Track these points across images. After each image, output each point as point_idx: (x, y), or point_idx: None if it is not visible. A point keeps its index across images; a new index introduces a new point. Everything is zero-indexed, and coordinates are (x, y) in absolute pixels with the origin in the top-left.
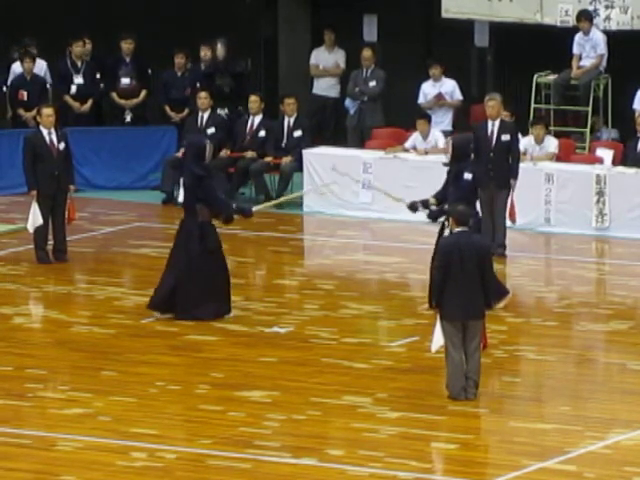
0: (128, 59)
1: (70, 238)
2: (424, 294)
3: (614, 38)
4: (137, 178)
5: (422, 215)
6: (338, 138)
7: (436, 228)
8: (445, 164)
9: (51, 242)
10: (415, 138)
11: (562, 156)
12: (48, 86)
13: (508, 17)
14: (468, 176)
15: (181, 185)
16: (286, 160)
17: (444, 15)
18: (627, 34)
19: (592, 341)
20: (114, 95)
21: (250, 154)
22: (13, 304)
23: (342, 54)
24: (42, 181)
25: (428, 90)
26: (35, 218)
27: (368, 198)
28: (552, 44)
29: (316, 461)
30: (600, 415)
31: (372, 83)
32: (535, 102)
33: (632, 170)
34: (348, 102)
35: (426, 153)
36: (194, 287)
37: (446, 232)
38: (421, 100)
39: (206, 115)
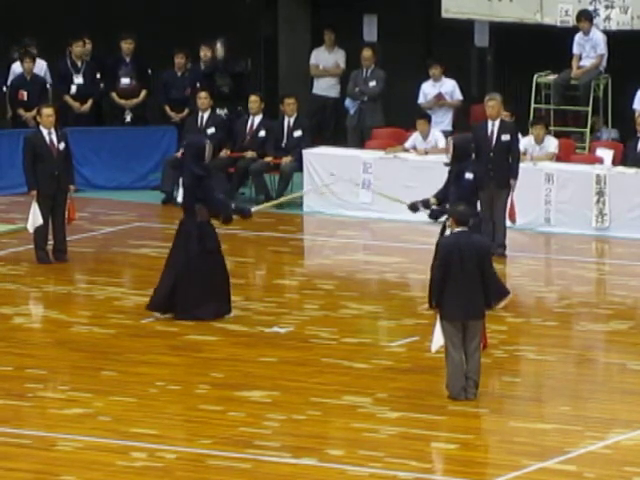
0: (128, 59)
1: (70, 238)
2: (424, 294)
3: (614, 38)
4: (137, 178)
5: (422, 215)
6: (338, 138)
7: (437, 228)
8: (446, 164)
9: (51, 242)
10: (415, 138)
11: (562, 156)
12: (48, 86)
13: (508, 17)
14: (469, 176)
15: (180, 185)
16: (286, 160)
17: (444, 15)
18: (627, 34)
19: (592, 341)
20: (114, 95)
21: (250, 154)
22: (13, 304)
23: (342, 54)
24: (42, 181)
25: (428, 90)
26: (35, 218)
27: (368, 198)
28: (552, 44)
29: (316, 461)
30: (600, 415)
31: (372, 83)
32: (535, 102)
33: (632, 170)
34: (348, 102)
35: (426, 153)
36: (193, 287)
37: (447, 232)
38: (421, 100)
39: (206, 115)
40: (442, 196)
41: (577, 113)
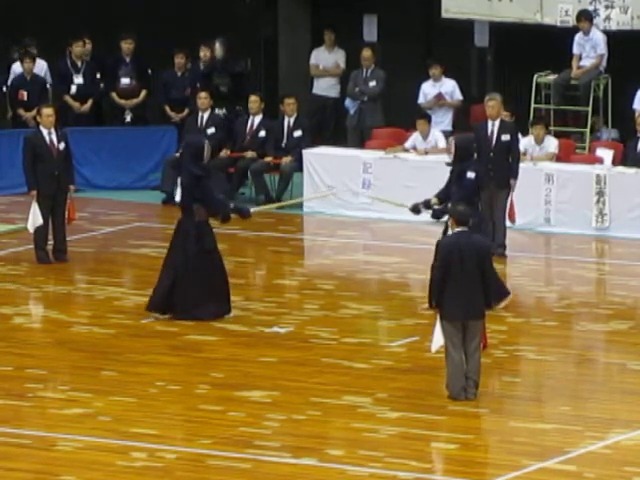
0: (128, 59)
1: (70, 238)
2: (424, 294)
3: (614, 38)
4: (137, 178)
5: (422, 215)
6: (338, 138)
7: (437, 228)
8: (448, 164)
9: (51, 242)
10: (415, 138)
11: (562, 156)
12: (48, 86)
13: (508, 17)
14: (471, 175)
15: (178, 185)
16: (286, 160)
17: (444, 15)
18: (627, 34)
19: (592, 341)
20: (114, 95)
21: (250, 154)
22: (13, 304)
23: (342, 54)
24: (42, 181)
25: (428, 90)
26: (35, 218)
27: (368, 198)
28: (552, 44)
29: (316, 461)
30: (600, 415)
31: (372, 83)
32: (535, 102)
33: (632, 170)
34: (348, 102)
35: (426, 153)
36: (192, 287)
37: (450, 231)
38: (421, 100)
39: (206, 115)
40: (444, 196)
41: (577, 113)
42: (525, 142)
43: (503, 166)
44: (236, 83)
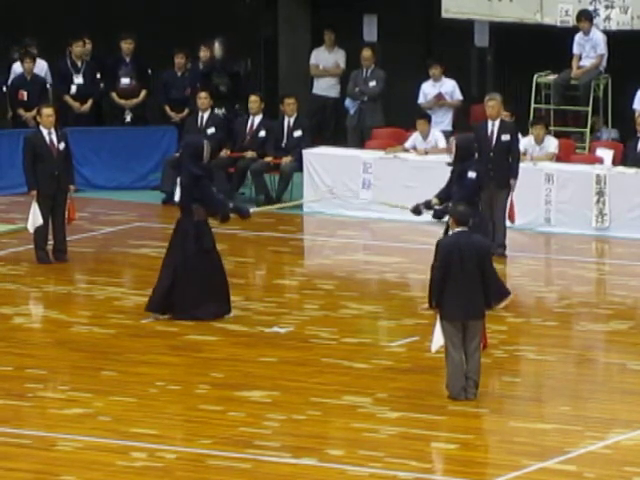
0: (128, 59)
1: (70, 238)
2: (424, 294)
3: (614, 38)
4: (137, 178)
5: (422, 215)
6: (338, 138)
7: (437, 228)
8: (449, 164)
9: (51, 242)
10: (415, 138)
11: (562, 156)
12: (48, 86)
13: (508, 17)
14: (472, 175)
15: (178, 184)
16: (286, 160)
17: (444, 15)
18: (627, 34)
19: (592, 341)
20: (114, 95)
21: (250, 154)
22: (13, 304)
23: (342, 54)
24: (42, 181)
25: (428, 90)
26: (35, 218)
27: (368, 198)
28: (552, 44)
29: (316, 461)
30: (600, 415)
31: (372, 83)
32: (535, 102)
33: (632, 170)
34: (348, 102)
35: (426, 153)
36: (191, 287)
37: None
38: (421, 100)
39: (206, 115)
40: (444, 196)
41: (577, 113)
42: (525, 142)
43: (503, 166)
44: (235, 83)
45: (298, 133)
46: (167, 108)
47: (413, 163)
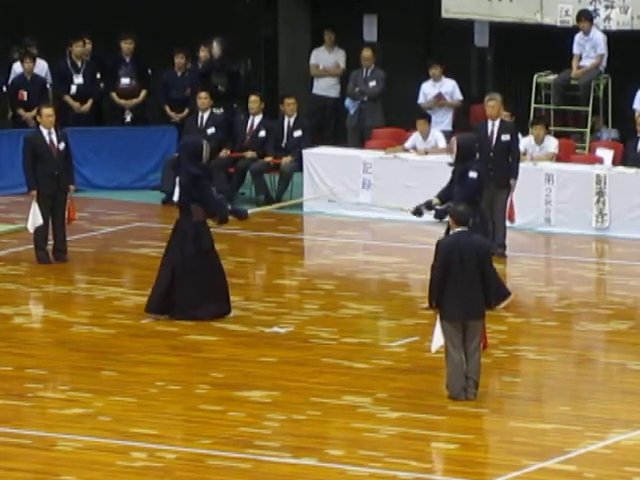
0: (128, 59)
1: (70, 238)
2: (424, 294)
3: (614, 38)
4: (137, 178)
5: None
6: (338, 138)
7: (437, 228)
8: (450, 164)
9: (51, 242)
10: (415, 138)
11: (562, 156)
12: (48, 86)
13: (508, 17)
14: (473, 175)
15: (177, 184)
16: (286, 160)
17: (444, 15)
18: (627, 34)
19: (592, 341)
20: (114, 95)
21: (250, 154)
22: (13, 304)
23: (342, 54)
24: (42, 181)
25: (428, 90)
26: (35, 218)
27: (368, 198)
28: (552, 44)
29: (316, 461)
30: (600, 415)
31: (372, 83)
32: (535, 102)
33: (632, 170)
34: (348, 102)
35: (426, 153)
36: (190, 287)
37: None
38: (421, 100)
39: (206, 115)
40: (445, 196)
41: (577, 113)
42: (525, 142)
43: (503, 166)
44: (234, 83)
45: (298, 133)
46: (167, 108)
47: (413, 163)
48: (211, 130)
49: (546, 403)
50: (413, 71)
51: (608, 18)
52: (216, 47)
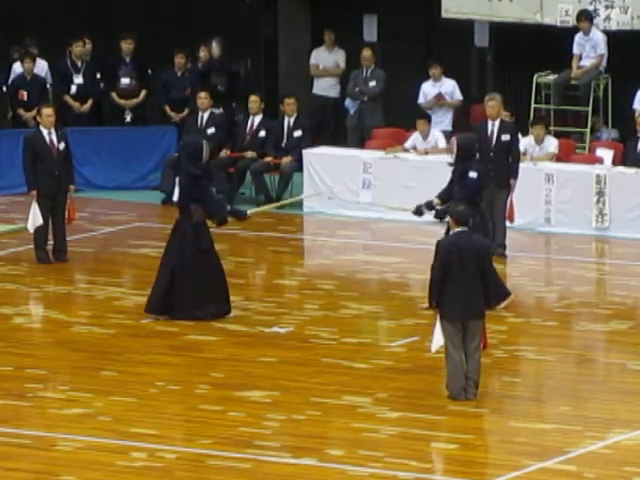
0: (128, 59)
1: (70, 238)
2: (424, 294)
3: (614, 38)
4: (137, 178)
5: (420, 216)
6: (338, 138)
7: (437, 228)
8: (450, 164)
9: (51, 242)
10: (415, 138)
11: (562, 156)
12: (48, 86)
13: (508, 17)
14: (473, 175)
15: (176, 184)
16: (286, 160)
17: (444, 15)
18: (627, 34)
19: (592, 341)
20: (114, 95)
21: (250, 154)
22: (13, 304)
23: (342, 54)
24: (42, 181)
25: (428, 90)
26: (35, 218)
27: (368, 198)
28: (552, 44)
29: (316, 461)
30: (600, 415)
31: (372, 83)
32: (535, 102)
33: (632, 170)
34: (348, 102)
35: (426, 153)
36: (190, 287)
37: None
38: (421, 100)
39: (206, 115)
40: (445, 196)
41: (577, 113)
42: (525, 142)
43: (503, 166)
44: (233, 82)
45: (298, 133)
46: (167, 108)
47: (413, 163)
48: (211, 130)
49: (546, 403)
50: (413, 71)
51: (608, 18)
52: (215, 47)
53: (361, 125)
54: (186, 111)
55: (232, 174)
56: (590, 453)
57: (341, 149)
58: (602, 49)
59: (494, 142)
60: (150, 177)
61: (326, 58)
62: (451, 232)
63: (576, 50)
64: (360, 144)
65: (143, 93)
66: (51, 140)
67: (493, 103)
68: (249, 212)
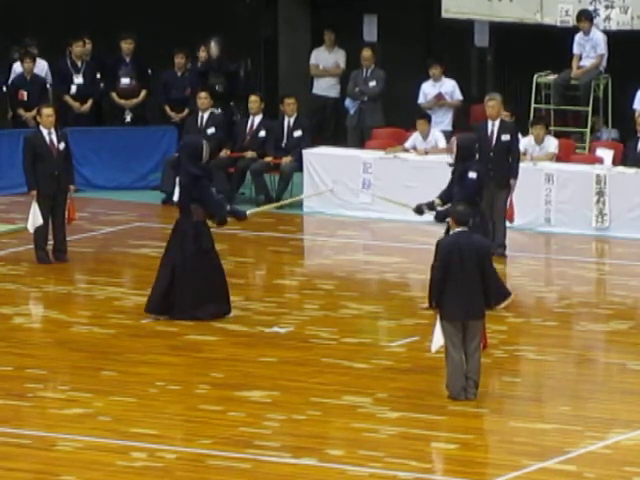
0: (128, 59)
1: (70, 238)
2: (424, 294)
3: (614, 38)
4: (137, 178)
5: (423, 215)
6: (338, 138)
7: (437, 228)
8: (450, 164)
9: (51, 242)
10: (415, 138)
11: (562, 156)
12: (48, 86)
13: (508, 17)
14: (473, 175)
15: (176, 184)
16: (286, 160)
17: (444, 15)
18: (627, 34)
19: (592, 341)
20: (114, 95)
21: (250, 154)
22: (13, 304)
23: (342, 54)
24: (42, 181)
25: (428, 90)
26: (35, 218)
27: (368, 198)
28: (552, 44)
29: (316, 461)
30: (600, 415)
31: (372, 83)
32: (535, 102)
33: (632, 170)
34: (348, 102)
35: (426, 153)
36: (190, 287)
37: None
38: (421, 100)
39: (206, 115)
40: (446, 197)
41: (577, 113)
42: (525, 142)
43: (503, 166)
44: (232, 82)
45: (298, 133)
46: (167, 108)
47: (413, 163)
48: (211, 130)
49: (546, 403)
50: (413, 71)
51: (608, 18)
52: (214, 47)
53: (361, 125)
54: (186, 111)
55: (232, 174)
56: (590, 453)
57: (341, 149)
58: (602, 49)
59: (494, 142)
60: (150, 177)
61: (326, 58)
62: (451, 232)
63: (576, 50)
64: (360, 144)
65: (143, 93)
66: (51, 140)
67: (493, 103)
68: (249, 212)
